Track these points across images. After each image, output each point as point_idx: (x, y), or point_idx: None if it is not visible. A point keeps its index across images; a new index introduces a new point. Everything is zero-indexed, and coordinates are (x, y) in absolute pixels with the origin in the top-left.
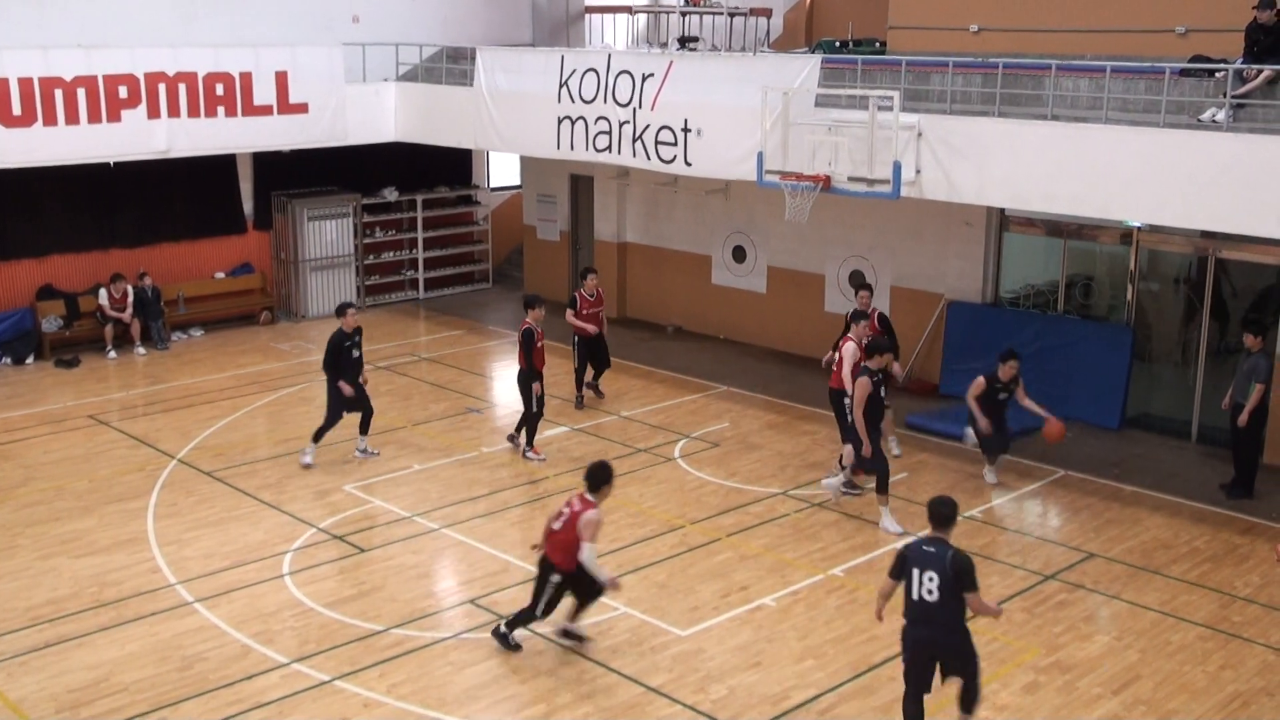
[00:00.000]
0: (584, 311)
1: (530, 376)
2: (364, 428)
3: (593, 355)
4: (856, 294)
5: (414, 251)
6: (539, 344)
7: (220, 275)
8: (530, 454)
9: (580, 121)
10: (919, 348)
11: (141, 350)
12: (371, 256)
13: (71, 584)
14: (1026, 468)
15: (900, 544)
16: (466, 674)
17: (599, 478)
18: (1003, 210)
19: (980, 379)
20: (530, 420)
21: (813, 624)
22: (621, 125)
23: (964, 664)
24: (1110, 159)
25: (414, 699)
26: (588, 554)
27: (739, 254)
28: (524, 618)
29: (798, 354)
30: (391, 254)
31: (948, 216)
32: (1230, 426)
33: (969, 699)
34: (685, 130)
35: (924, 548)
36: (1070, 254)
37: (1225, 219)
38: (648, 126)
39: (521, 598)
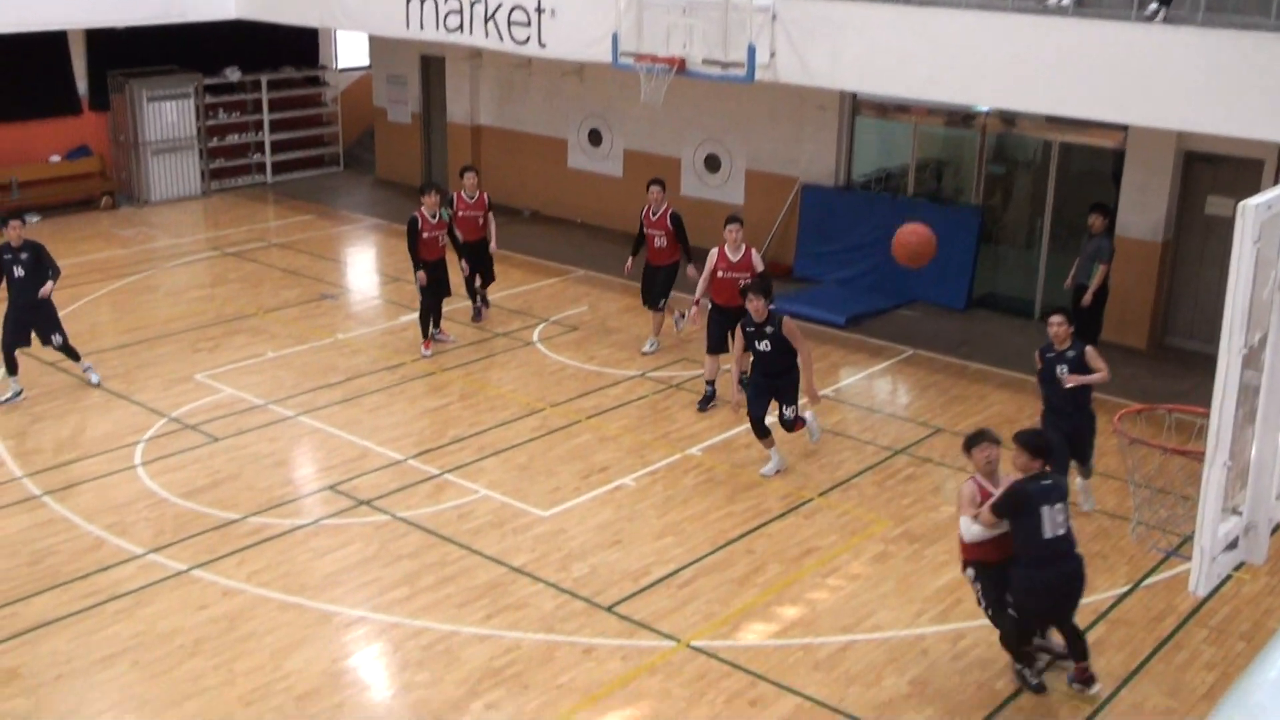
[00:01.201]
0: (460, 213)
1: (416, 266)
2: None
3: (476, 262)
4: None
5: (260, 134)
6: (423, 234)
7: (56, 159)
8: (440, 336)
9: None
10: (774, 231)
11: None
12: (216, 139)
13: None
14: (876, 347)
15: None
16: (327, 560)
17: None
18: (855, 94)
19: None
20: (422, 311)
21: (671, 502)
22: (473, 5)
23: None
24: (960, 43)
25: (275, 585)
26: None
27: (595, 137)
28: None
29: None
30: (237, 136)
31: (802, 100)
32: (1072, 307)
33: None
34: (539, 10)
35: (1041, 483)
36: (920, 138)
37: (1069, 104)
38: (500, 6)
39: (384, 482)
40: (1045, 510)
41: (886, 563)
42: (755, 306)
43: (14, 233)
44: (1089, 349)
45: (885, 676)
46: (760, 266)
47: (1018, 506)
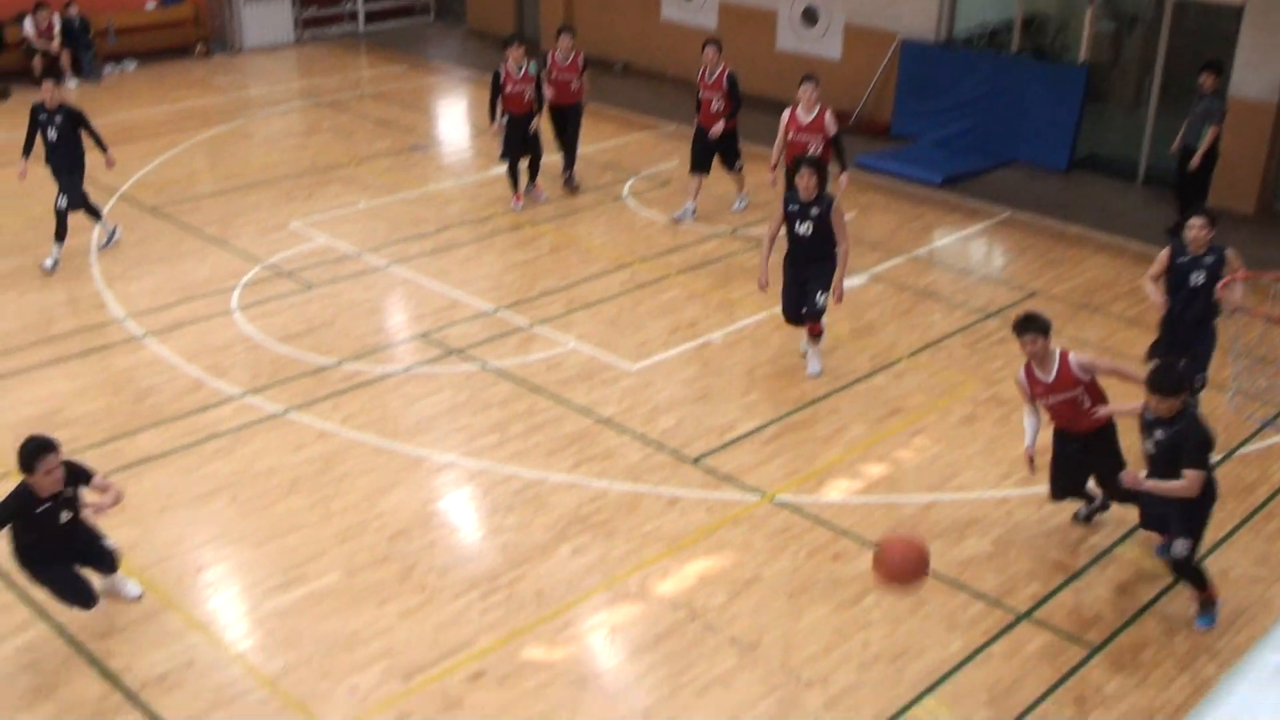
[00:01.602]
0: (553, 75)
1: (491, 118)
2: None
3: (561, 129)
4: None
5: None
6: (506, 88)
7: (151, 5)
8: (534, 192)
9: None
10: (871, 87)
11: (73, 83)
12: None
13: (17, 319)
14: (973, 208)
15: None
16: (419, 406)
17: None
18: None
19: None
20: (510, 164)
21: (758, 360)
22: None
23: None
24: None
25: (368, 429)
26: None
27: None
28: None
29: (747, 92)
30: None
31: None
32: (1178, 170)
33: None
34: None
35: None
36: None
37: None
38: None
39: (474, 332)
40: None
41: (974, 425)
42: (805, 183)
43: (48, 94)
44: (1230, 252)
45: (967, 536)
46: (833, 130)
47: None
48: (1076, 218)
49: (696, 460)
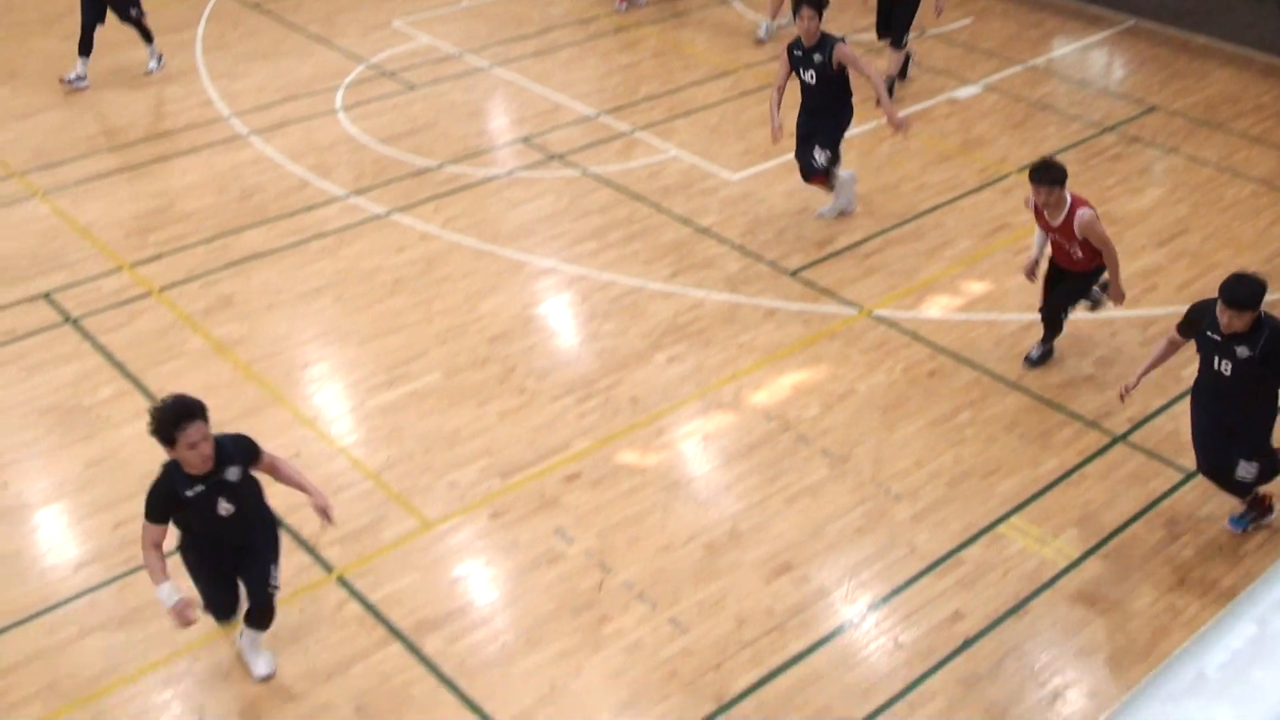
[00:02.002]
0: None
1: None
2: None
3: None
4: None
5: None
6: None
7: None
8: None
9: None
10: None
11: None
12: None
13: (127, 115)
14: (1095, 15)
15: None
16: (519, 210)
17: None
18: None
19: None
20: None
21: (861, 171)
22: None
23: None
24: None
25: (469, 232)
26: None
27: None
28: None
29: None
30: None
31: None
32: None
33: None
34: None
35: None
36: None
37: None
38: None
39: (576, 137)
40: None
41: None
42: (805, 26)
43: None
44: None
45: (1068, 356)
46: None
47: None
48: (1204, 28)
49: (795, 273)
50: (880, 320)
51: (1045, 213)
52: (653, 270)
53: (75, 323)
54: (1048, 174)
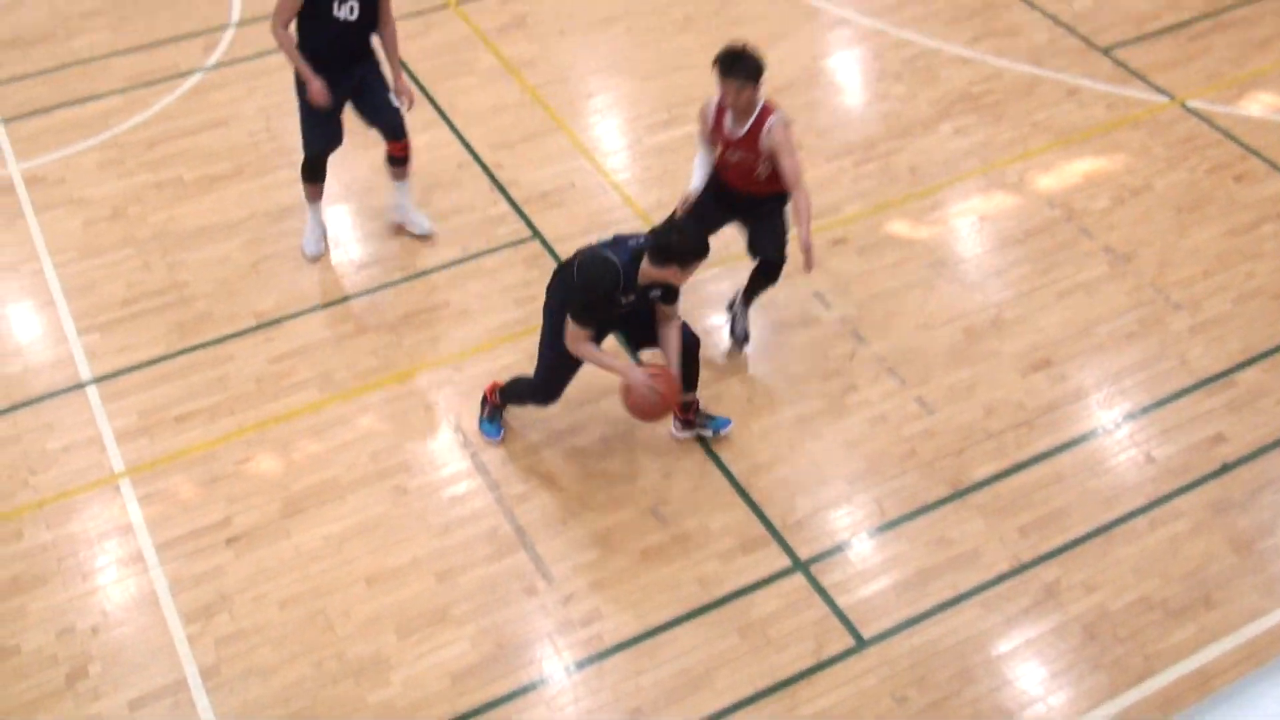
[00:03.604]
0: None
1: None
2: None
3: None
4: None
5: None
6: None
7: None
8: None
9: None
10: None
11: None
12: None
13: None
14: None
15: None
16: None
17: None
18: None
19: None
20: None
21: None
22: None
23: None
24: None
25: None
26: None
27: None
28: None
29: None
30: None
31: None
32: None
33: None
34: None
35: None
36: None
37: None
38: None
39: None
40: None
41: None
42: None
43: None
44: None
45: None
46: None
47: None
48: None
49: (1108, 50)
50: (1192, 112)
51: (726, 117)
52: (954, 32)
53: None
54: (744, 65)
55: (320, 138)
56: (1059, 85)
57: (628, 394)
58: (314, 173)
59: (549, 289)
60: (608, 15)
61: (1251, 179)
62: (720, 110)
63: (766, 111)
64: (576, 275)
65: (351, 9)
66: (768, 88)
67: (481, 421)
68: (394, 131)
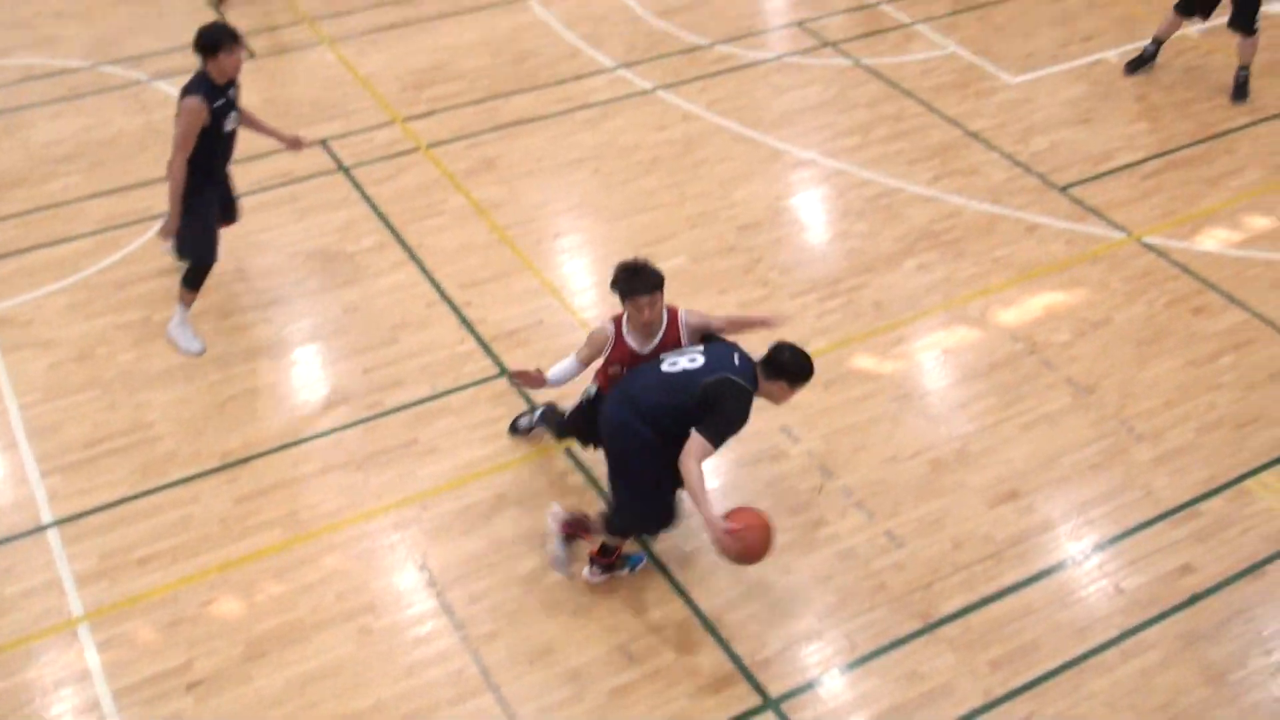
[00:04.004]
0: None
1: None
2: None
3: None
4: None
5: None
6: None
7: None
8: None
9: None
10: None
11: None
12: None
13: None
14: None
15: None
16: (785, 98)
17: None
18: None
19: None
20: None
21: (1153, 85)
22: None
23: None
24: None
25: (731, 116)
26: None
27: None
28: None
29: None
30: None
31: None
32: None
33: None
34: None
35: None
36: None
37: None
38: None
39: (852, 25)
40: None
41: None
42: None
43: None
44: None
45: None
46: None
47: None
48: None
49: (1065, 188)
50: (1149, 247)
51: (633, 338)
52: (915, 171)
53: (346, 171)
54: (651, 278)
55: (212, 247)
56: (1019, 222)
57: (733, 541)
58: (202, 280)
59: (631, 422)
60: (575, 158)
61: (1209, 312)
62: (620, 334)
63: (676, 312)
64: (730, 404)
65: (234, 118)
66: (732, 225)
67: (594, 572)
68: (235, 215)
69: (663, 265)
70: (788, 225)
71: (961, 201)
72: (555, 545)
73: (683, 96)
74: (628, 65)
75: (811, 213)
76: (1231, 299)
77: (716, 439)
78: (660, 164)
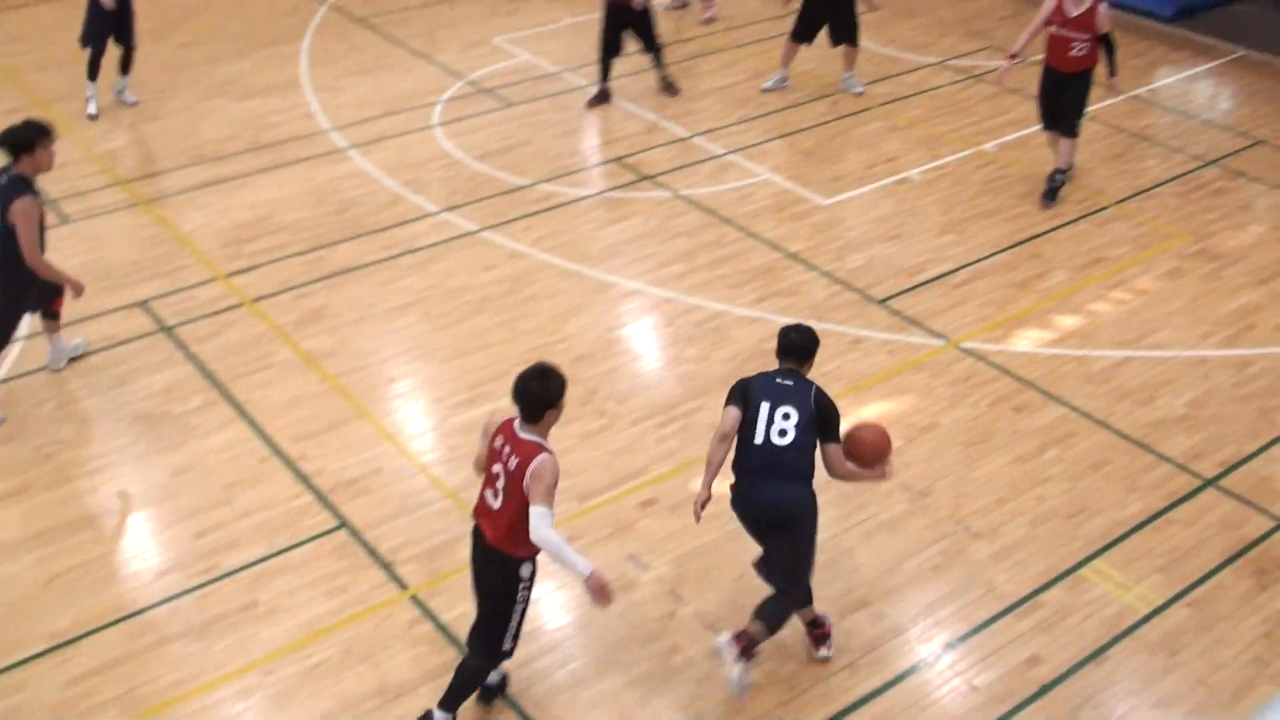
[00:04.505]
0: None
1: None
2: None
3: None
4: None
5: None
6: None
7: None
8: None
9: None
10: None
11: None
12: None
13: (231, 126)
14: (1203, 45)
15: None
16: (609, 231)
17: (543, 393)
18: None
19: None
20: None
21: (957, 200)
22: None
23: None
24: None
25: (558, 252)
26: (544, 531)
27: None
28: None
29: None
30: None
31: None
32: None
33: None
34: None
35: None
36: None
37: None
38: None
39: (668, 159)
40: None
41: (1179, 280)
42: None
43: None
44: None
45: (1159, 396)
46: (1106, 28)
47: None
48: None
49: (883, 301)
50: (968, 352)
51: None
52: (739, 295)
53: (169, 331)
54: (556, 381)
55: (12, 335)
56: (842, 337)
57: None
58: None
59: (800, 505)
60: (403, 302)
61: (1030, 409)
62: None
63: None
64: (830, 401)
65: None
66: (565, 358)
67: (827, 647)
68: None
69: (498, 402)
70: (621, 355)
71: (787, 320)
72: (738, 672)
73: (508, 235)
74: (451, 209)
75: (643, 341)
76: (1049, 395)
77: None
78: (490, 303)
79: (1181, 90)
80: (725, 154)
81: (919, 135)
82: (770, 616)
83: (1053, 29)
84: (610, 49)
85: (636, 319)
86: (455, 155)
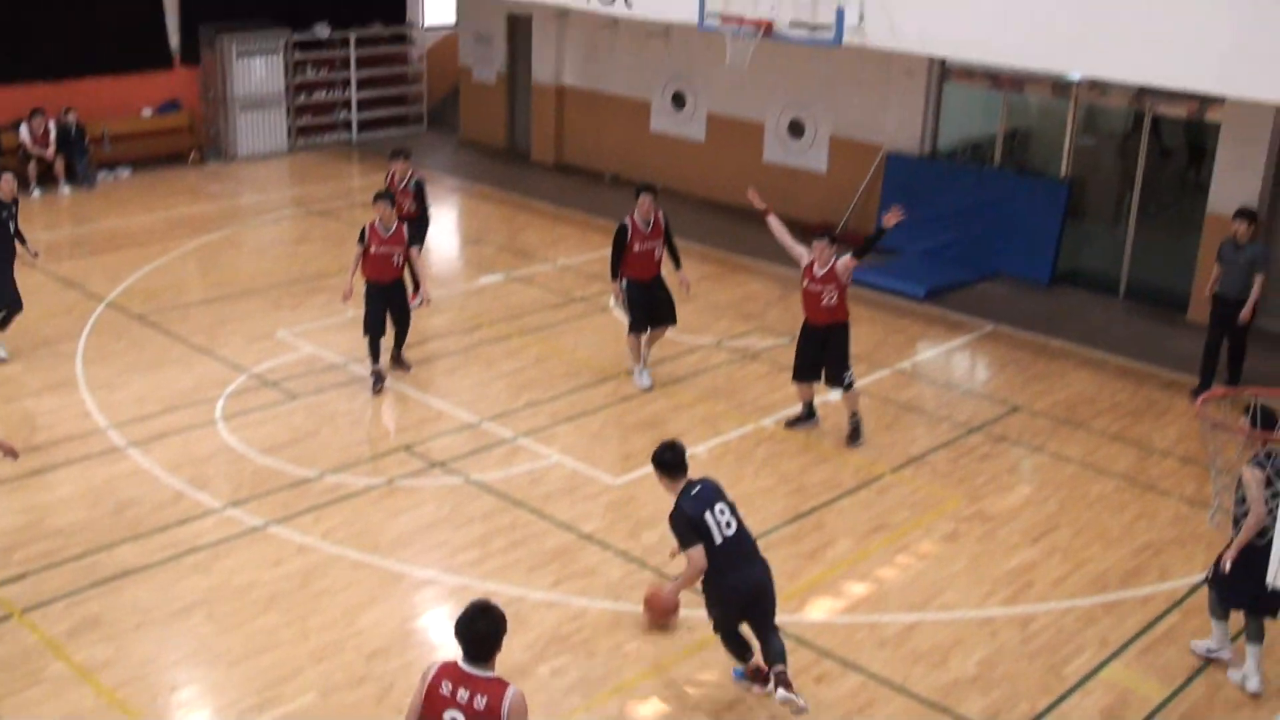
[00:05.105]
0: (636, 248)
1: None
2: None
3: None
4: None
5: (346, 92)
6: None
7: (147, 113)
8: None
9: None
10: (856, 199)
11: (66, 189)
12: (303, 96)
13: (1, 429)
14: (956, 321)
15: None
16: (400, 520)
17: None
18: (944, 61)
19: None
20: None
21: (741, 474)
22: None
23: None
24: (1052, 10)
25: (348, 544)
26: None
27: (678, 100)
28: None
29: (735, 204)
30: (324, 94)
31: (889, 65)
32: (1216, 319)
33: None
34: None
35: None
36: (1009, 107)
37: (1163, 73)
38: None
39: (458, 445)
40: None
41: (957, 542)
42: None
43: (7, 186)
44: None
45: (951, 657)
46: (846, 281)
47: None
48: (1059, 332)
49: (678, 577)
50: None
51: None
52: (535, 579)
53: None
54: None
55: None
56: (641, 616)
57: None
58: None
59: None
60: (186, 604)
61: (830, 679)
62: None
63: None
64: None
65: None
66: (360, 654)
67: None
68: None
69: (290, 706)
70: (417, 647)
71: (585, 602)
72: (787, 693)
73: (296, 529)
74: (236, 504)
75: (440, 631)
76: (847, 663)
77: None
78: (279, 600)
79: (942, 363)
80: (515, 438)
81: (701, 413)
82: (782, 652)
83: (805, 285)
84: (375, 329)
85: (432, 608)
86: (239, 449)
